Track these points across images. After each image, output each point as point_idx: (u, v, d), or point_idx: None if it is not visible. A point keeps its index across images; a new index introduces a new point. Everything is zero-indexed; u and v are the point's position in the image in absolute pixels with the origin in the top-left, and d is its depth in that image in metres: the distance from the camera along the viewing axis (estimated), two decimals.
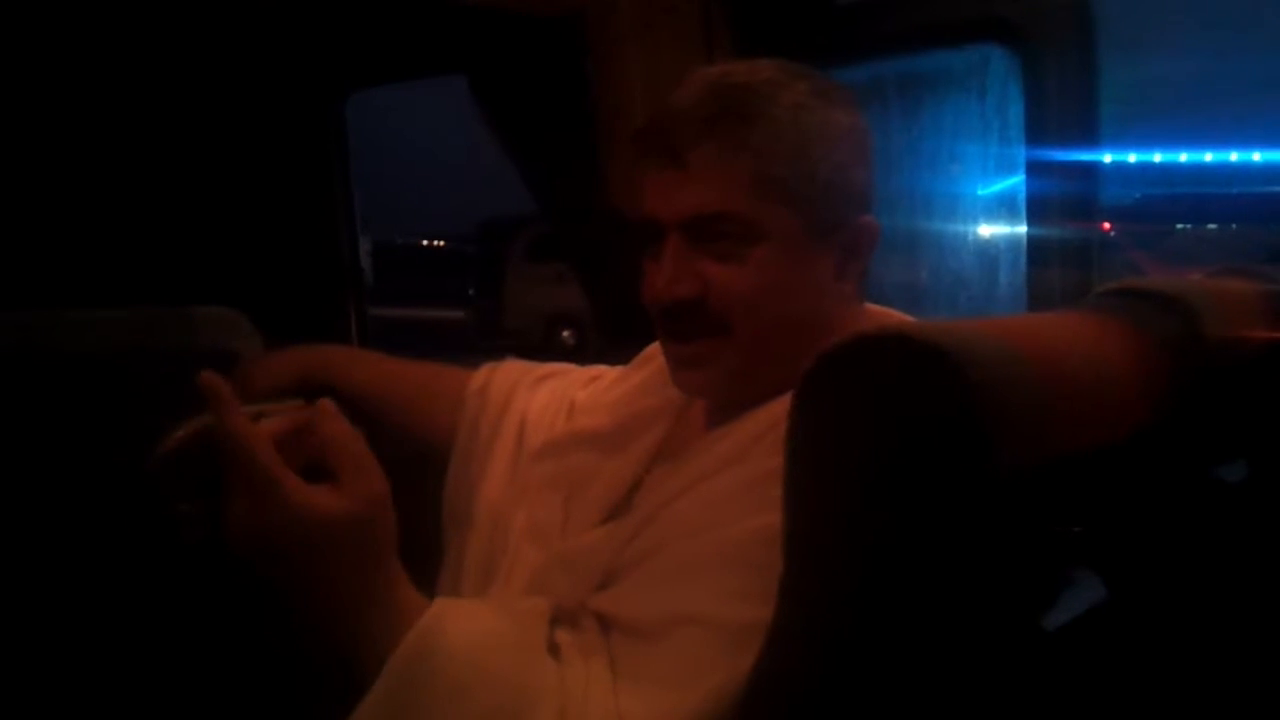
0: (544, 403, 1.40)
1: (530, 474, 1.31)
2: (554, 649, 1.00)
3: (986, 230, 1.84)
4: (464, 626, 0.95)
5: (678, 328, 1.11)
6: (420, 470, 1.44)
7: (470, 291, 14.12)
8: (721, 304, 1.08)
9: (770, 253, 1.08)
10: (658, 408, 1.25)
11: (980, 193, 1.84)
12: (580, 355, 1.77)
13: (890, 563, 0.74)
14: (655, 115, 1.13)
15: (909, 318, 1.18)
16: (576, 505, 1.23)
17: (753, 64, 1.12)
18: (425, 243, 14.89)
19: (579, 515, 1.22)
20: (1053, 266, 1.59)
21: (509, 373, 1.46)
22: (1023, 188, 1.64)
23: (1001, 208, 1.79)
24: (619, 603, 1.03)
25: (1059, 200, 1.58)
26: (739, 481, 1.04)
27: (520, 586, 1.19)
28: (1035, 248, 1.62)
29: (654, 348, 1.34)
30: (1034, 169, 1.60)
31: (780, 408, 1.03)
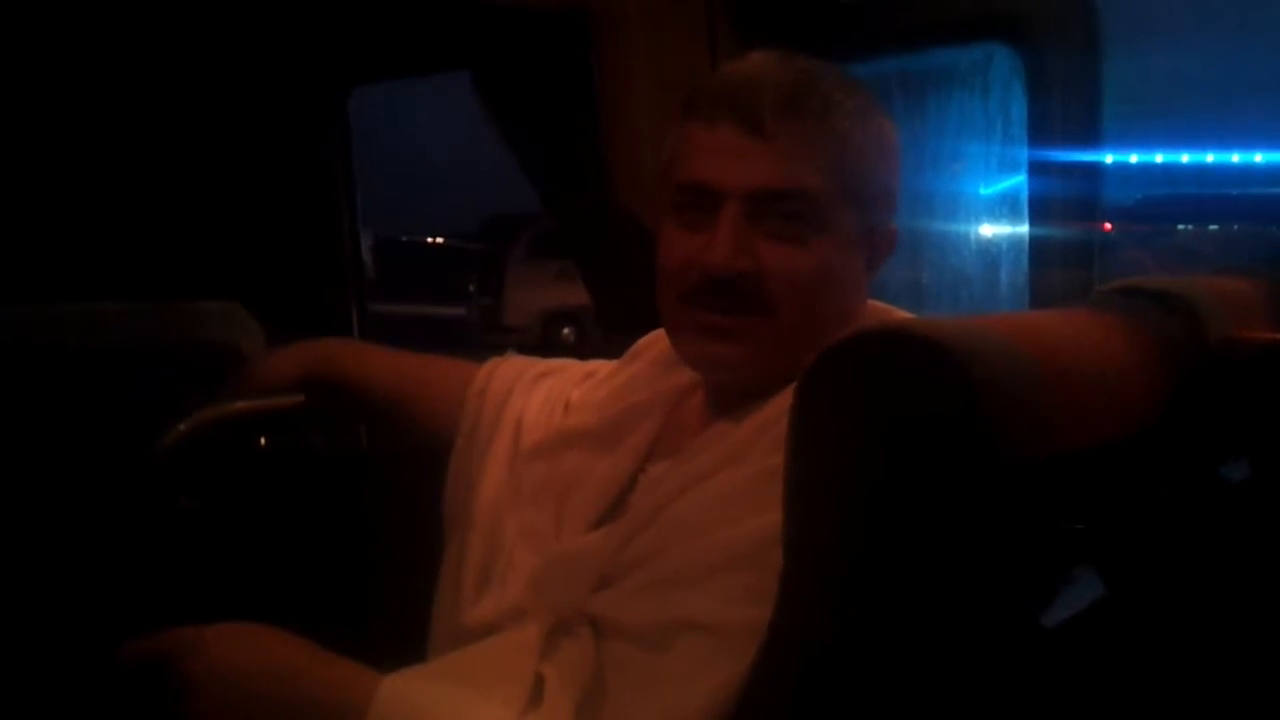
0: (540, 403, 1.39)
1: (524, 476, 1.30)
2: (539, 683, 1.02)
3: (989, 230, 1.84)
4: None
5: (720, 300, 1.08)
6: (424, 466, 1.44)
7: (471, 288, 14.11)
8: (776, 285, 1.07)
9: (830, 243, 1.08)
10: (649, 403, 1.24)
11: (983, 192, 1.84)
12: (580, 352, 1.77)
13: (890, 559, 0.74)
14: (726, 79, 1.10)
15: (909, 314, 1.18)
16: (570, 507, 1.22)
17: (801, 56, 1.12)
18: (427, 239, 14.87)
19: (573, 517, 1.21)
20: (1054, 266, 1.59)
21: (507, 372, 1.45)
22: (1025, 187, 1.64)
23: (1004, 207, 1.79)
24: (620, 607, 1.03)
25: (1061, 200, 1.58)
26: (738, 481, 1.03)
27: (516, 591, 1.19)
28: (1037, 247, 1.62)
29: (645, 341, 1.34)
30: (1036, 168, 1.60)
31: (778, 405, 1.04)
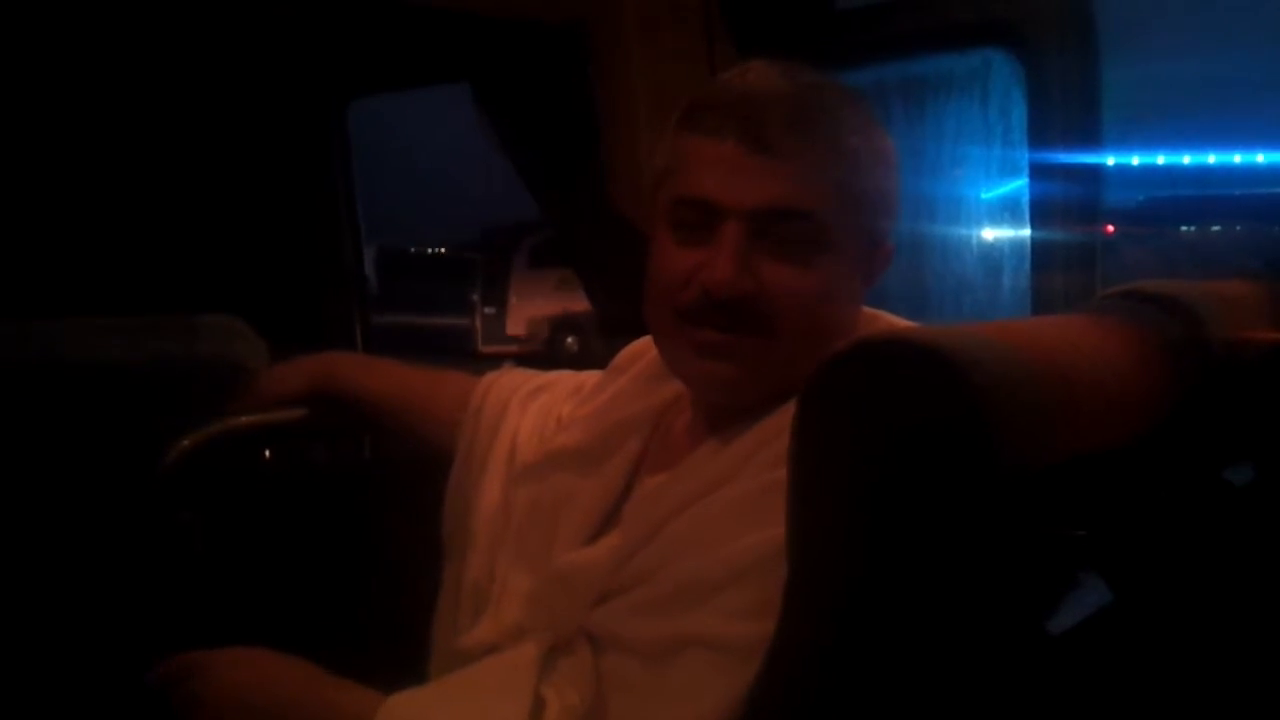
0: (534, 420, 1.38)
1: (517, 497, 1.29)
2: (539, 704, 1.01)
3: (990, 234, 1.84)
4: None
5: (720, 319, 1.05)
6: (427, 479, 1.44)
7: (474, 298, 14.14)
8: (778, 306, 1.04)
9: (833, 261, 1.06)
10: (635, 418, 1.22)
11: (984, 196, 1.84)
12: (584, 361, 1.77)
13: (895, 569, 0.74)
14: (729, 92, 1.07)
15: (905, 321, 1.17)
16: (562, 526, 1.21)
17: (803, 69, 1.10)
18: (429, 250, 14.89)
19: (564, 536, 1.19)
20: (1057, 270, 1.59)
21: (503, 389, 1.43)
22: (1026, 191, 1.64)
23: (1005, 211, 1.79)
24: (622, 623, 1.02)
25: (1062, 203, 1.57)
26: (738, 497, 1.02)
27: (513, 612, 1.18)
28: (1039, 251, 1.62)
29: (628, 353, 1.32)
30: (1037, 172, 1.60)
31: (775, 420, 1.03)
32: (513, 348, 13.00)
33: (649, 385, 1.25)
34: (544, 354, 12.71)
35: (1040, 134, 1.58)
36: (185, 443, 1.45)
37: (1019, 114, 1.66)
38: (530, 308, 13.48)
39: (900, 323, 1.17)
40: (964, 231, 1.86)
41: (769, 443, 1.03)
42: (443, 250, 15.12)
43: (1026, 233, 1.66)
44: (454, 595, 1.31)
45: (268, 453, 1.61)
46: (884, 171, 1.10)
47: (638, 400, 1.24)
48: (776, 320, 1.05)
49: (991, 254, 1.84)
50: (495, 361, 1.54)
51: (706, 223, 1.05)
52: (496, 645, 1.16)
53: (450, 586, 1.33)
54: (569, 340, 13.15)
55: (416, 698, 1.07)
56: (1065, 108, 1.54)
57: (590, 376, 1.40)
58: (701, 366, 1.09)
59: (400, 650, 1.34)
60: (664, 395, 1.23)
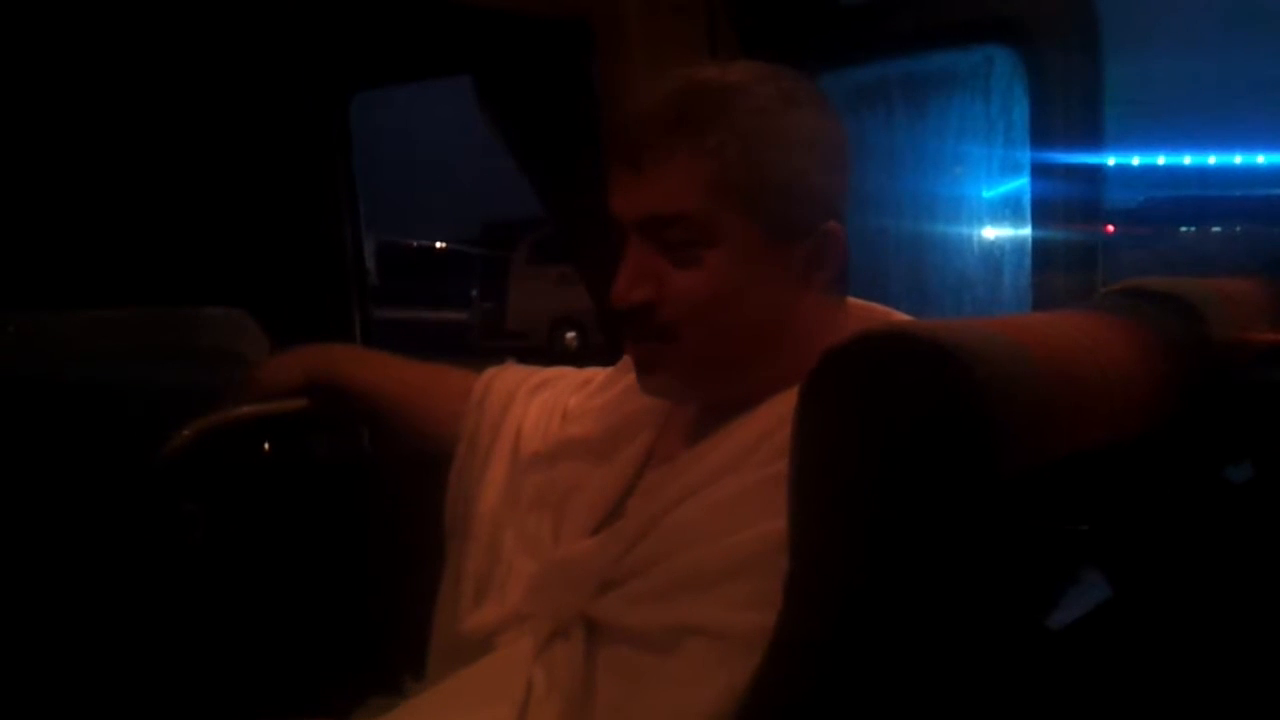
0: (538, 412, 1.39)
1: (523, 486, 1.31)
2: (529, 686, 1.04)
3: (991, 232, 1.84)
4: None
5: (634, 330, 1.12)
6: (427, 470, 1.44)
7: (474, 293, 14.13)
8: (672, 310, 1.08)
9: (725, 257, 1.07)
10: (645, 411, 1.24)
11: (985, 195, 1.84)
12: (584, 357, 1.77)
13: (895, 563, 0.74)
14: (620, 117, 1.15)
15: (898, 314, 1.17)
16: (568, 515, 1.22)
17: (724, 66, 1.12)
18: (429, 244, 14.89)
19: (571, 525, 1.21)
20: (1058, 269, 1.59)
21: (505, 382, 1.44)
22: (1027, 190, 1.64)
23: (1006, 210, 1.79)
24: (622, 613, 1.03)
25: (1064, 202, 1.57)
26: (740, 488, 1.03)
27: (516, 598, 1.20)
28: (1040, 250, 1.62)
29: None
30: (1039, 171, 1.60)
31: (776, 411, 1.04)
32: (513, 343, 12.99)
33: None
34: (544, 349, 12.72)
35: (1042, 132, 1.58)
36: (185, 433, 1.45)
37: (1021, 112, 1.66)
38: (531, 303, 13.46)
39: (898, 316, 1.17)
40: (965, 230, 1.86)
41: (771, 434, 1.04)
42: (444, 245, 15.12)
43: (1027, 231, 1.66)
44: (455, 583, 1.32)
45: (267, 444, 1.61)
46: (785, 156, 1.07)
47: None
48: (672, 323, 1.09)
49: (992, 252, 1.84)
50: (495, 357, 1.54)
51: (623, 239, 1.11)
52: (496, 631, 1.17)
53: (452, 574, 1.34)
54: (569, 336, 13.15)
55: (406, 711, 1.09)
56: (1067, 106, 1.54)
57: (598, 371, 1.41)
58: (638, 379, 1.15)
59: (401, 640, 1.34)
60: None
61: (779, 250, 1.09)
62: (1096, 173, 1.57)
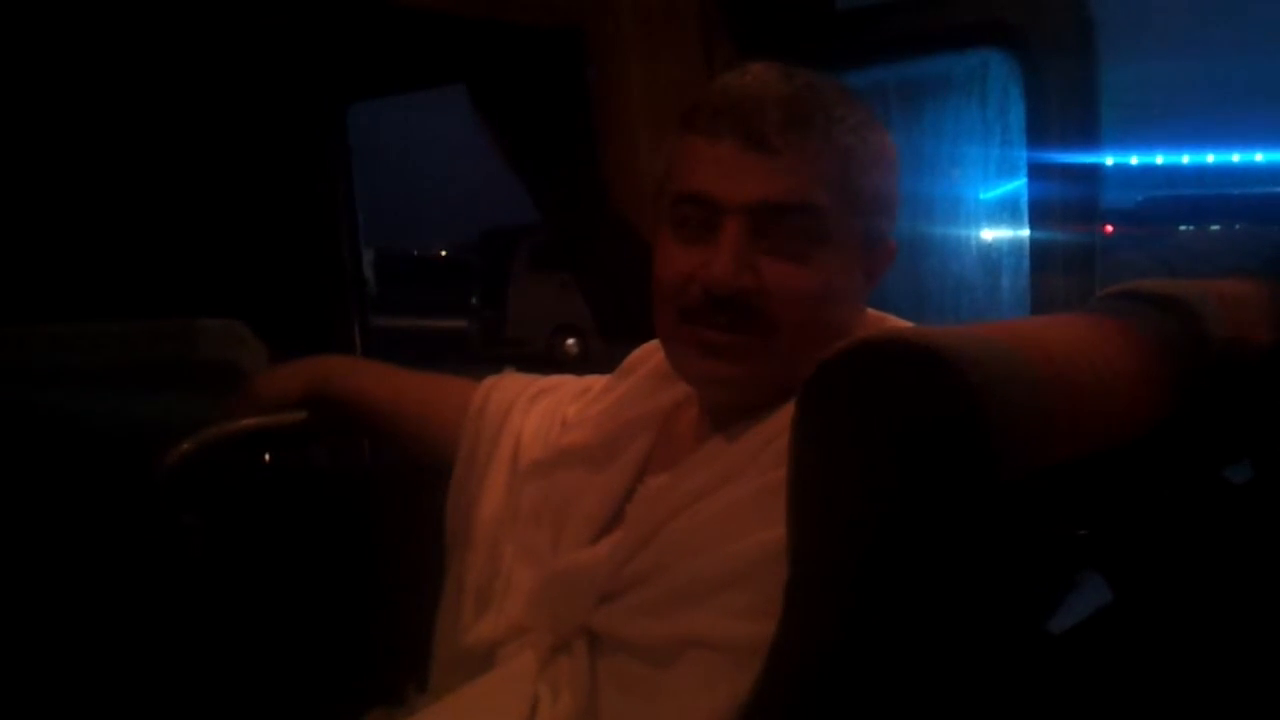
0: (537, 421, 1.38)
1: (522, 495, 1.30)
2: (534, 703, 1.02)
3: (989, 234, 1.84)
4: None
5: (721, 317, 1.06)
6: (427, 481, 1.44)
7: (473, 301, 14.14)
8: (778, 303, 1.05)
9: (833, 258, 1.07)
10: (644, 418, 1.23)
11: (982, 197, 1.84)
12: (584, 363, 1.77)
13: (895, 569, 0.74)
14: (727, 92, 1.08)
15: (905, 322, 1.18)
16: (568, 524, 1.21)
17: (802, 70, 1.11)
18: (428, 252, 14.90)
19: (570, 534, 1.20)
20: (1056, 270, 1.59)
21: (504, 392, 1.44)
22: (1025, 191, 1.64)
23: (1004, 211, 1.79)
24: (623, 624, 1.03)
25: (1061, 203, 1.58)
26: (739, 497, 1.03)
27: (516, 609, 1.19)
28: (1038, 251, 1.62)
29: (637, 355, 1.33)
30: (1036, 172, 1.60)
31: (777, 420, 1.04)
32: (513, 350, 13.00)
33: (657, 386, 1.25)
34: (543, 357, 12.71)
35: (1039, 134, 1.58)
36: (185, 445, 1.45)
37: (1017, 114, 1.66)
38: (531, 310, 13.47)
39: (900, 324, 1.17)
40: (963, 232, 1.86)
41: (771, 442, 1.03)
42: (442, 253, 15.13)
43: (1025, 233, 1.66)
44: (456, 593, 1.32)
45: (267, 455, 1.61)
46: (882, 170, 1.11)
47: (646, 400, 1.25)
48: (777, 317, 1.05)
49: (990, 254, 1.84)
50: (495, 364, 1.54)
51: (707, 221, 1.06)
52: (499, 642, 1.17)
53: (453, 585, 1.33)
54: (569, 343, 13.16)
55: None
56: (1064, 108, 1.54)
57: (597, 379, 1.41)
58: (704, 366, 1.09)
59: (403, 651, 1.34)
60: (672, 395, 1.23)
61: (863, 257, 1.11)
62: (1093, 174, 1.57)
